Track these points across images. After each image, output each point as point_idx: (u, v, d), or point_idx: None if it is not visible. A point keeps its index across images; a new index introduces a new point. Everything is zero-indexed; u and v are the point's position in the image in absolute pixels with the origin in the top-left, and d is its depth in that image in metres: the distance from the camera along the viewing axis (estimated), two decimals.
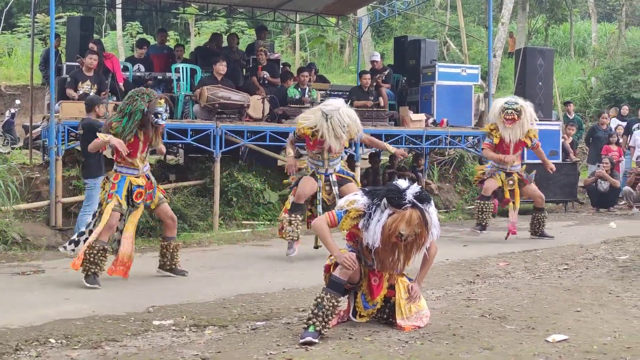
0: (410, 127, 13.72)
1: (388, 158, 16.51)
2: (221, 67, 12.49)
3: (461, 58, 23.92)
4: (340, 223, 5.51)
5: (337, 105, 8.61)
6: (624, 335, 5.40)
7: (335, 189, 8.89)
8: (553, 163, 14.15)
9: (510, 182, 10.44)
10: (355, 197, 5.54)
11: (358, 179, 13.08)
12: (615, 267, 8.21)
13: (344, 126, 8.46)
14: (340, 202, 5.62)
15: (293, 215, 8.86)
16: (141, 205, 7.78)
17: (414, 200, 5.34)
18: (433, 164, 15.91)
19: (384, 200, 5.33)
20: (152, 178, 7.88)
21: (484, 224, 10.59)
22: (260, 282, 7.56)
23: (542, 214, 10.70)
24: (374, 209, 5.36)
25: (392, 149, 9.97)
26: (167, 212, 7.98)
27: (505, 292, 6.98)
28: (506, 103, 10.19)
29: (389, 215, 5.31)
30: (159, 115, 7.53)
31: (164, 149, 8.29)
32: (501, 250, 9.56)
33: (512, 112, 10.03)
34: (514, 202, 10.49)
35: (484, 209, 10.58)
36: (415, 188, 5.42)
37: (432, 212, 5.45)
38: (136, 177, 7.67)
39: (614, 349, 5.05)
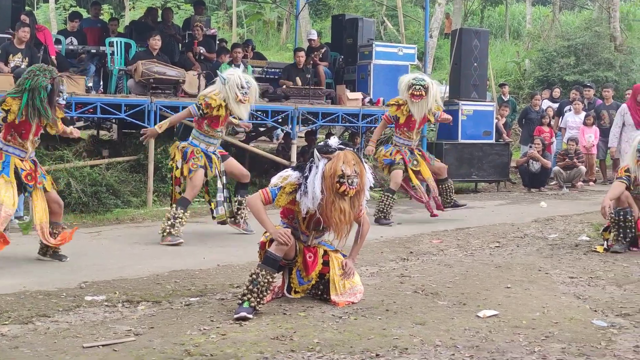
0: (346, 106, 13.73)
1: (324, 136, 16.57)
2: (155, 42, 12.33)
3: (398, 38, 24.04)
4: (276, 199, 5.52)
5: (234, 71, 8.70)
6: (552, 310, 5.53)
7: (222, 166, 8.91)
8: (487, 144, 14.52)
9: (415, 162, 10.37)
10: (286, 174, 5.57)
11: (294, 157, 13.11)
12: (545, 245, 8.39)
13: (241, 87, 8.44)
14: (274, 180, 5.61)
15: (181, 211, 8.54)
16: (38, 189, 7.27)
17: (341, 146, 5.48)
18: (369, 143, 15.98)
19: (315, 153, 5.41)
20: (37, 163, 7.42)
21: (386, 215, 10.30)
22: (194, 259, 7.52)
23: (447, 184, 10.62)
24: (308, 168, 5.41)
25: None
26: (52, 197, 7.45)
27: (438, 269, 7.07)
28: (414, 79, 10.13)
29: (325, 164, 5.37)
30: (61, 94, 7.26)
31: (66, 129, 7.56)
32: (434, 228, 9.69)
33: (419, 88, 9.95)
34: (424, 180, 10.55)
35: (388, 202, 10.29)
36: (336, 139, 5.58)
37: (365, 164, 5.54)
38: (21, 160, 7.19)
39: (542, 324, 5.17)
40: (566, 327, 5.12)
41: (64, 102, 7.31)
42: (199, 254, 7.83)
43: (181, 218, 8.46)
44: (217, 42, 15.70)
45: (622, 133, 12.81)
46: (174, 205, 8.56)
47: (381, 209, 10.20)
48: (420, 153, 10.53)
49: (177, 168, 8.66)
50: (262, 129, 16.70)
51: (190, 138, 8.79)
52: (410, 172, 10.36)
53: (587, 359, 4.44)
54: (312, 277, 5.77)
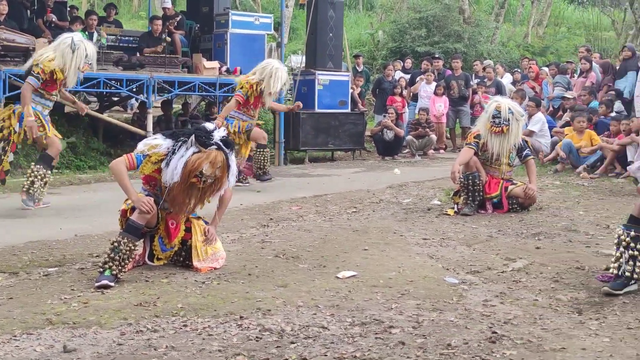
0: (203, 75, 13.66)
1: (181, 106, 16.43)
2: (1, 7, 11.87)
3: (253, 7, 23.99)
4: (141, 167, 5.46)
5: (81, 37, 8.50)
6: (407, 270, 5.77)
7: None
8: (342, 113, 14.81)
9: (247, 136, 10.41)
10: (156, 142, 5.49)
11: (150, 127, 12.92)
12: (400, 210, 8.69)
13: (87, 56, 8.31)
14: (140, 146, 5.54)
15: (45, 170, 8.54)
16: None
17: (220, 143, 5.41)
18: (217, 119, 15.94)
19: (192, 138, 5.35)
20: None
21: (265, 171, 10.73)
22: (50, 229, 7.35)
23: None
24: (179, 145, 5.37)
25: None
26: None
27: (297, 234, 7.22)
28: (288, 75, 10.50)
29: (194, 152, 5.35)
30: None
31: None
32: (293, 195, 9.83)
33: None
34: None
35: (263, 157, 10.72)
36: (222, 132, 5.51)
37: (233, 159, 5.55)
38: None
39: (398, 283, 5.40)
40: (420, 284, 5.37)
41: None
42: (55, 224, 7.65)
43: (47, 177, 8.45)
44: (68, 8, 15.25)
45: None
46: (36, 164, 8.39)
47: (259, 166, 10.60)
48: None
49: (14, 132, 8.36)
50: (115, 99, 16.37)
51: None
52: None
53: (440, 313, 4.68)
54: (175, 244, 5.78)
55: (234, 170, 5.62)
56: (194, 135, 5.37)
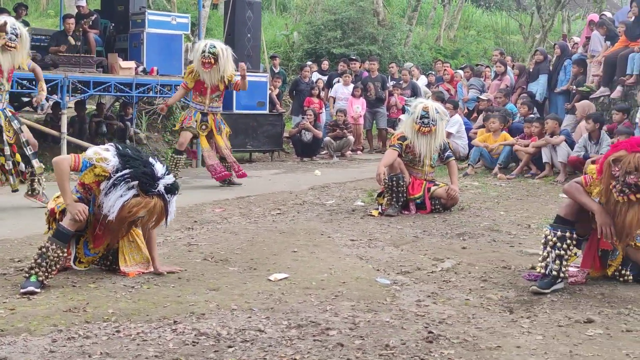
0: (119, 75, 13.39)
1: (95, 107, 16.09)
2: None
3: (167, 7, 23.69)
4: (83, 174, 5.26)
5: (4, 18, 8.26)
6: (338, 271, 5.78)
7: (16, 123, 8.47)
8: (261, 114, 14.78)
9: (204, 126, 10.58)
10: (106, 154, 5.25)
11: (64, 128, 12.61)
12: (324, 211, 8.70)
13: (6, 32, 8.03)
14: (89, 153, 5.35)
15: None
16: None
17: (163, 192, 5.28)
18: (141, 113, 15.73)
19: (136, 182, 5.16)
20: None
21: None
22: None
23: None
24: (121, 181, 5.16)
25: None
26: None
27: (224, 236, 7.15)
28: (205, 46, 10.30)
29: (134, 195, 5.17)
30: None
31: None
32: (215, 197, 9.74)
33: (208, 56, 10.21)
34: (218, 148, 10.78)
35: (177, 163, 10.70)
36: (170, 179, 5.36)
37: (174, 202, 5.44)
38: None
39: (331, 284, 5.40)
40: (353, 286, 5.38)
41: None
42: None
43: None
44: None
45: None
46: None
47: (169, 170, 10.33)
48: (213, 120, 10.68)
49: None
50: (26, 99, 15.92)
51: None
52: (201, 136, 10.67)
53: (376, 314, 4.70)
54: (100, 250, 5.66)
55: (173, 211, 5.50)
56: (138, 181, 5.17)
